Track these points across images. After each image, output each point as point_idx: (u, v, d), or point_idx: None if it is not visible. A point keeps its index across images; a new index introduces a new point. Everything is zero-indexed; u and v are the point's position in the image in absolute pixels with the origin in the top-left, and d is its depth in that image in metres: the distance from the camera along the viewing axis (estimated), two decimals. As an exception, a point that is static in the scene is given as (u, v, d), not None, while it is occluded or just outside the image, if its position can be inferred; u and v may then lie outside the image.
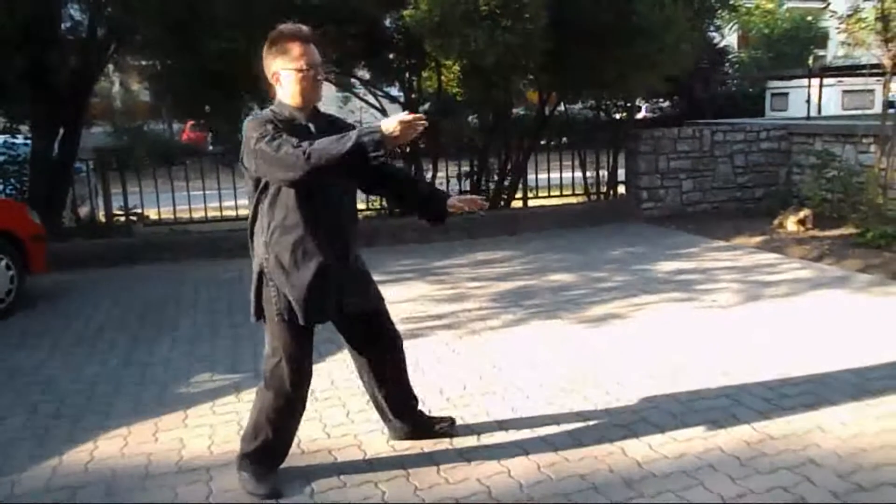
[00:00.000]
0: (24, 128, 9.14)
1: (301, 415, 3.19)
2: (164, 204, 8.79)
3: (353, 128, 2.83)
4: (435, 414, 3.68)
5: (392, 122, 2.59)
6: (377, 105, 9.46)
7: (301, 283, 2.92)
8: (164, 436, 3.65)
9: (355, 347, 3.31)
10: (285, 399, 3.03)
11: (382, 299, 3.29)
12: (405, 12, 7.42)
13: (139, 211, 8.91)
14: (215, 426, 3.73)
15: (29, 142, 8.58)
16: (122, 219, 8.72)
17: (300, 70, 2.83)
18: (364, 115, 10.84)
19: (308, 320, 2.96)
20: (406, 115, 2.60)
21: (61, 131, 8.55)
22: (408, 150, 9.45)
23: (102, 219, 8.83)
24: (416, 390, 3.51)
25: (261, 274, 3.01)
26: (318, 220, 2.90)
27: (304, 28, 2.89)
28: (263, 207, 2.94)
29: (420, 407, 3.55)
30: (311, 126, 2.90)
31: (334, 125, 2.97)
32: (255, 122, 2.81)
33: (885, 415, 3.60)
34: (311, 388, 3.15)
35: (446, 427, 3.52)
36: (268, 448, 3.10)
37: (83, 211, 9.02)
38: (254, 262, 3.06)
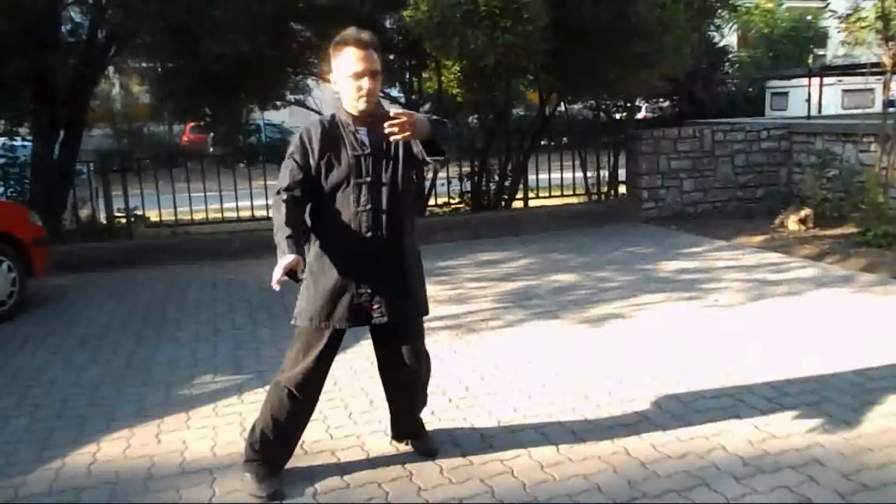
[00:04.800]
0: (23, 130, 9.14)
1: (304, 421, 3.17)
2: (164, 206, 8.79)
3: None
4: (433, 420, 3.67)
5: (277, 270, 2.67)
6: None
7: (322, 291, 2.95)
8: (166, 437, 3.64)
9: (374, 346, 3.27)
10: (289, 400, 3.03)
11: (414, 330, 3.17)
12: (405, 13, 7.42)
13: (140, 213, 8.91)
14: (218, 428, 3.73)
15: (27, 143, 8.57)
16: (123, 220, 8.72)
17: (350, 76, 2.85)
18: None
19: (321, 325, 2.97)
20: (278, 275, 2.66)
21: (62, 133, 8.56)
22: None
23: (103, 221, 8.83)
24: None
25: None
26: (335, 230, 2.93)
27: (364, 34, 2.87)
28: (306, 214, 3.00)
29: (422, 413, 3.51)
30: (362, 132, 2.93)
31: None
32: (300, 132, 2.94)
33: (889, 414, 3.59)
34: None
35: (423, 449, 3.39)
36: (266, 443, 3.08)
37: (84, 213, 9.02)
38: None
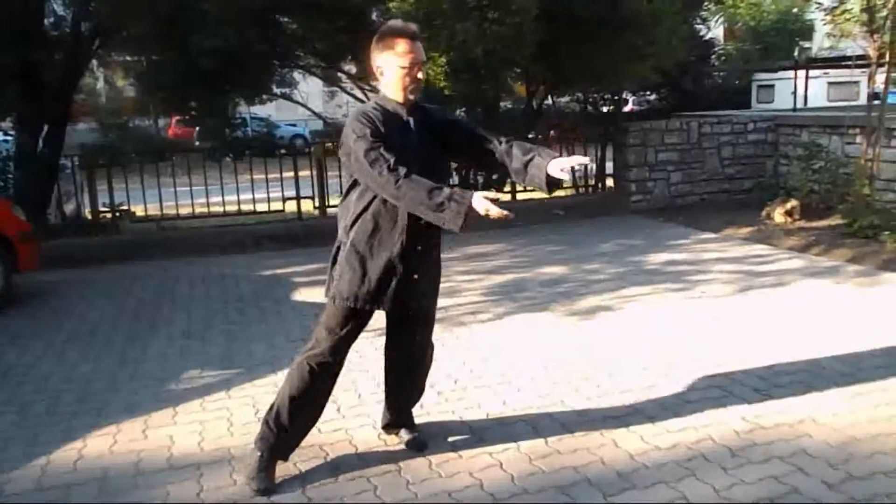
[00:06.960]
0: (6, 124, 9.06)
1: (322, 402, 3.17)
2: (150, 200, 8.73)
3: (447, 118, 3.18)
4: (422, 412, 3.67)
5: (483, 205, 2.66)
6: (364, 99, 9.42)
7: (371, 273, 2.96)
8: (153, 433, 3.62)
9: (387, 330, 3.29)
10: (311, 376, 3.03)
11: (431, 318, 3.27)
12: (391, 4, 7.38)
13: (125, 207, 8.84)
14: (205, 423, 3.71)
15: (9, 138, 8.49)
16: (108, 215, 8.65)
17: (404, 67, 2.90)
18: (351, 110, 10.83)
19: (364, 306, 2.99)
20: (495, 210, 2.66)
21: (46, 128, 8.47)
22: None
23: (88, 216, 8.76)
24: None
25: (336, 255, 3.05)
26: (395, 215, 2.93)
27: (412, 25, 2.96)
28: (353, 196, 3.00)
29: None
30: (411, 121, 2.98)
31: (431, 117, 3.06)
32: (357, 116, 2.89)
33: (877, 404, 3.62)
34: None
35: (412, 443, 3.40)
36: (281, 420, 3.06)
37: (69, 208, 8.95)
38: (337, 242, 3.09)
